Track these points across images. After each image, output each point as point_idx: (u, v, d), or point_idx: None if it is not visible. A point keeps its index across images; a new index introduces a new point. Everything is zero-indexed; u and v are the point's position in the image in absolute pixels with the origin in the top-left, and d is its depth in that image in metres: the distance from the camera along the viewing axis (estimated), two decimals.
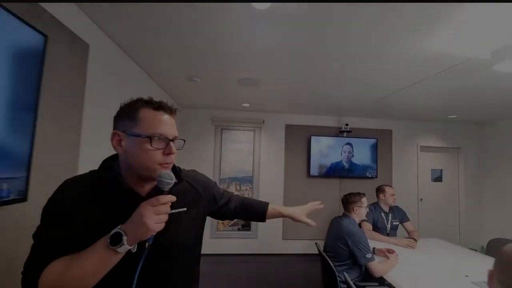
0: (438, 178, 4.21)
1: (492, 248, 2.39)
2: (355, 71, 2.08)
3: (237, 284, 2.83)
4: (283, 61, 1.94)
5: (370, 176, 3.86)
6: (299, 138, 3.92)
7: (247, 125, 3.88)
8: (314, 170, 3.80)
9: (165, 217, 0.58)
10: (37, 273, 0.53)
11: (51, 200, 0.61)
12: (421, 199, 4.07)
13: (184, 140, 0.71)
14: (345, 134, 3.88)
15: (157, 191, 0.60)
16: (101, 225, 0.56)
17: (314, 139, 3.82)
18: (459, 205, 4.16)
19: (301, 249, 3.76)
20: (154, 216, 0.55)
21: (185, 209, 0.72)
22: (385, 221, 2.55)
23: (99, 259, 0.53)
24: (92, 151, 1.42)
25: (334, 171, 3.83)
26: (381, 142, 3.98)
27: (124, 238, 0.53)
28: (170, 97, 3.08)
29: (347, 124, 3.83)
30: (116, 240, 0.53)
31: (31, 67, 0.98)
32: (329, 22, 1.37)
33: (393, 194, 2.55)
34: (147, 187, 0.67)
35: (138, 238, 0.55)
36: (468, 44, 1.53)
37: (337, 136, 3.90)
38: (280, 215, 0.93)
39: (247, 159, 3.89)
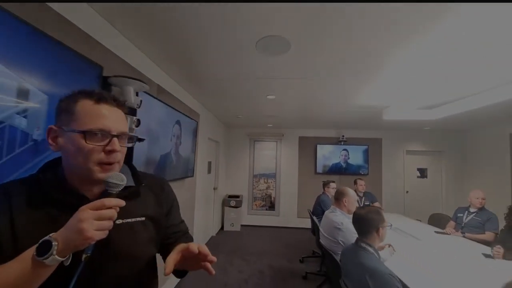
0: (423, 175, 5.31)
1: (433, 219, 3.63)
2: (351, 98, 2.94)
3: (265, 241, 4.53)
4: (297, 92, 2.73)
5: (362, 173, 5.20)
6: (308, 146, 5.47)
7: (271, 138, 5.58)
8: (319, 169, 5.31)
9: (108, 224, 0.48)
10: None
11: None
12: (407, 192, 5.23)
13: (138, 137, 0.64)
14: (342, 143, 5.30)
15: (105, 194, 0.52)
16: (37, 235, 0.46)
17: (319, 147, 5.34)
18: (442, 197, 5.19)
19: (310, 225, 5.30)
20: (94, 222, 0.46)
21: (143, 218, 0.62)
22: (360, 203, 3.97)
23: (23, 272, 0.43)
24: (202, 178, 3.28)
25: (335, 170, 5.28)
26: (372, 147, 5.29)
27: (54, 246, 0.44)
28: (222, 122, 4.96)
29: (343, 136, 5.25)
30: (44, 250, 0.43)
31: (193, 135, 2.84)
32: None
33: (362, 185, 3.94)
34: (96, 190, 0.57)
35: (72, 248, 0.45)
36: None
37: (336, 144, 5.35)
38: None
39: (272, 161, 5.57)
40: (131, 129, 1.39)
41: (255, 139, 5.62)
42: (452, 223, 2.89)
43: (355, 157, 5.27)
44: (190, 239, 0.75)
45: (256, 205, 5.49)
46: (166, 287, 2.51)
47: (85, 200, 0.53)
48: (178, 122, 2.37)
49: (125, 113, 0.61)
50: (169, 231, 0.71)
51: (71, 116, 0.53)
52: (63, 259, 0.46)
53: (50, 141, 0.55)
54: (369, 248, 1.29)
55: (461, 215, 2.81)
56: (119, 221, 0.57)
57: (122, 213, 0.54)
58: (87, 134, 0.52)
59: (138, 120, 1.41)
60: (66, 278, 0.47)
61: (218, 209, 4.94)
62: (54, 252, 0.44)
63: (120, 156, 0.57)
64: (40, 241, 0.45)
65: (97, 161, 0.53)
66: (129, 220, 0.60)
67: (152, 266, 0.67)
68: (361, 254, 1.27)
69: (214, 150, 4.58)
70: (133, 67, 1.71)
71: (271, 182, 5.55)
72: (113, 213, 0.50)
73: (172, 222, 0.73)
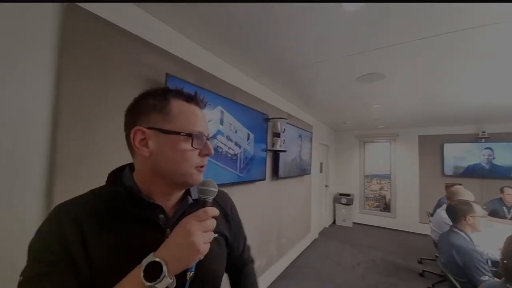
0: None
1: None
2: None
3: (379, 239, 4.70)
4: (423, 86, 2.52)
5: None
6: (431, 145, 4.98)
7: (383, 138, 5.54)
8: (448, 171, 4.72)
9: (211, 236, 0.44)
10: None
11: (40, 234, 0.43)
12: None
13: (213, 139, 0.54)
14: (483, 140, 4.43)
15: (200, 202, 0.48)
16: (116, 259, 0.43)
17: (447, 146, 4.74)
18: None
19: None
20: (203, 234, 0.42)
21: (216, 235, 0.51)
22: (507, 215, 3.36)
23: None
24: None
25: (473, 172, 4.51)
26: None
27: (165, 268, 0.39)
28: (331, 128, 5.58)
29: (483, 132, 4.39)
30: (154, 273, 0.38)
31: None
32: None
33: (509, 194, 3.30)
34: (173, 200, 0.53)
35: (184, 266, 0.41)
36: None
37: (474, 141, 4.53)
38: None
39: (385, 161, 5.52)
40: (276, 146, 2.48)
41: (365, 140, 5.78)
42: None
43: (504, 157, 4.26)
44: (251, 281, 0.71)
45: (368, 205, 5.64)
46: (282, 260, 3.54)
47: (162, 212, 0.49)
48: (300, 136, 3.35)
49: None
50: (235, 248, 0.67)
51: (166, 116, 0.48)
52: (171, 281, 0.39)
53: (137, 144, 0.48)
54: (460, 232, 1.60)
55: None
56: None
57: None
58: (193, 137, 0.48)
59: (283, 140, 2.46)
60: None
61: (330, 205, 5.58)
62: (166, 274, 0.38)
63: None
64: (145, 263, 0.39)
65: (195, 165, 0.49)
66: None
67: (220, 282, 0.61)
68: (452, 235, 1.60)
69: (324, 152, 5.30)
70: (277, 107, 2.82)
71: (385, 183, 5.50)
72: (214, 223, 0.45)
73: (239, 237, 0.69)
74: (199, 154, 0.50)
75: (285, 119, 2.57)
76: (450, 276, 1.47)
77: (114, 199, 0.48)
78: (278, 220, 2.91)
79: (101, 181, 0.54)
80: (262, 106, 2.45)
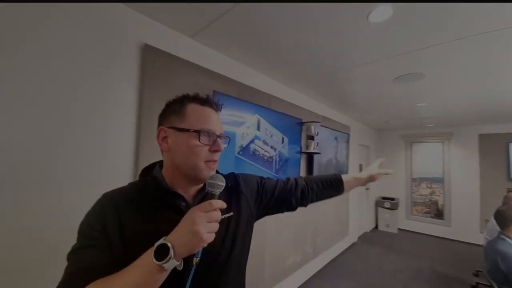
0: None
1: None
2: None
3: (428, 247, 4.34)
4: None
5: None
6: (494, 145, 4.36)
7: (434, 138, 5.06)
8: None
9: (216, 226, 0.49)
10: None
11: (88, 216, 0.54)
12: None
13: (230, 138, 0.66)
14: None
15: (207, 195, 0.53)
16: (145, 238, 0.49)
17: None
18: None
19: None
20: (207, 224, 0.47)
21: (231, 213, 0.64)
22: None
23: (142, 277, 0.44)
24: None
25: None
26: None
27: (171, 251, 0.44)
28: (372, 128, 5.35)
29: None
30: (162, 254, 0.44)
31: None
32: None
33: None
34: (192, 191, 0.61)
35: (188, 251, 0.46)
36: None
37: None
38: (358, 181, 0.86)
39: (437, 163, 5.03)
40: (310, 149, 2.59)
41: (412, 140, 5.36)
42: None
43: None
44: (300, 186, 0.80)
45: (416, 210, 5.21)
46: (323, 257, 3.57)
47: (183, 200, 0.56)
48: (336, 138, 3.38)
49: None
50: (276, 191, 0.76)
51: (181, 117, 0.58)
52: (178, 263, 0.45)
53: (160, 140, 0.59)
54: (507, 239, 1.52)
55: None
56: None
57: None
58: (201, 133, 0.56)
59: (317, 143, 2.57)
60: (178, 283, 0.49)
61: (371, 208, 5.34)
62: (172, 255, 0.44)
63: (219, 155, 0.60)
64: (156, 245, 0.45)
65: (204, 159, 0.57)
66: (222, 217, 0.54)
67: (243, 264, 0.68)
68: (499, 242, 1.58)
69: (364, 153, 5.11)
70: (311, 111, 2.94)
71: (437, 188, 5.02)
72: (219, 215, 0.50)
73: (272, 189, 0.76)
74: (209, 150, 0.58)
75: (319, 122, 2.68)
76: (493, 283, 1.43)
77: (144, 189, 0.58)
78: (313, 219, 3.01)
79: None
80: (296, 111, 2.60)
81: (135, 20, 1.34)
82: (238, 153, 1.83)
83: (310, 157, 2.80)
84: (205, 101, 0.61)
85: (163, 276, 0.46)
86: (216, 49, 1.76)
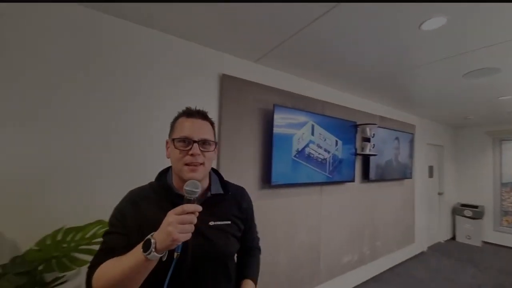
0: None
1: None
2: None
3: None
4: None
5: None
6: None
7: None
8: None
9: (190, 227, 0.56)
10: (93, 269, 0.61)
11: (114, 209, 0.70)
12: None
13: (216, 143, 0.73)
14: None
15: (188, 200, 0.59)
16: (154, 229, 0.57)
17: None
18: None
19: None
20: (178, 226, 0.54)
21: (229, 222, 0.74)
22: None
23: (135, 264, 0.55)
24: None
25: None
26: None
27: (153, 244, 0.53)
28: (447, 125, 4.71)
29: None
30: (147, 247, 0.54)
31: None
32: None
33: None
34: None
35: (165, 247, 0.54)
36: None
37: None
38: None
39: None
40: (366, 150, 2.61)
41: (501, 138, 4.48)
42: None
43: None
44: (254, 261, 0.86)
45: (507, 221, 4.33)
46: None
47: (183, 200, 0.61)
48: (396, 138, 3.23)
49: (211, 124, 0.75)
50: (246, 237, 0.83)
51: (173, 130, 0.71)
52: (161, 255, 0.55)
53: (166, 150, 0.72)
54: None
55: None
56: (211, 223, 0.70)
57: (215, 216, 0.71)
58: (175, 140, 0.67)
59: (374, 145, 2.58)
60: (163, 272, 0.59)
61: (446, 216, 4.72)
62: (153, 250, 0.53)
63: (202, 158, 0.67)
64: (145, 239, 0.55)
65: (184, 162, 0.66)
66: (219, 222, 0.71)
67: (233, 260, 0.79)
68: None
69: (436, 154, 4.56)
70: (367, 112, 2.94)
71: None
72: (193, 218, 0.56)
73: (249, 229, 0.85)
74: (189, 154, 0.66)
75: (375, 124, 2.66)
76: None
77: (156, 189, 0.71)
78: (371, 221, 2.99)
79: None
80: (351, 114, 2.67)
81: (217, 57, 1.78)
82: (295, 156, 2.08)
83: (366, 158, 2.81)
84: (189, 114, 0.71)
85: (151, 264, 0.55)
86: (275, 68, 2.07)
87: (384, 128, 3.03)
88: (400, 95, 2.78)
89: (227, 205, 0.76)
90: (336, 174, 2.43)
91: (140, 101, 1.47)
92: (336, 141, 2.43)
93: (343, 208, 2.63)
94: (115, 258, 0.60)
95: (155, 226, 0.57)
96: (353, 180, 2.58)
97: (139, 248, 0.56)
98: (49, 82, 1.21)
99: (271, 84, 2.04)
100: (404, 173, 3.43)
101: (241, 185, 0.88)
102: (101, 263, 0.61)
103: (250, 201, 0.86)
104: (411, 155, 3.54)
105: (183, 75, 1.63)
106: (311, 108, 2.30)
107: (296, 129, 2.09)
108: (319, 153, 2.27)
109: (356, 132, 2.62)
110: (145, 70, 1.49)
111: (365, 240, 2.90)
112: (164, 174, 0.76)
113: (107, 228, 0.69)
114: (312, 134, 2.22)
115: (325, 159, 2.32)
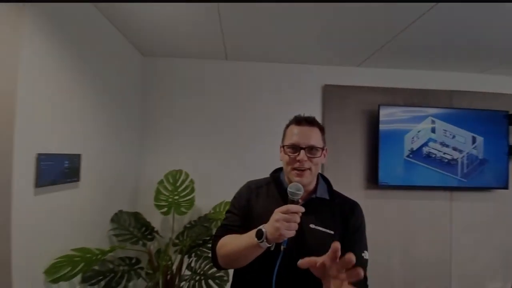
0: None
1: None
2: None
3: None
4: None
5: None
6: None
7: None
8: None
9: (294, 226, 0.59)
10: (216, 239, 0.75)
11: (237, 193, 0.83)
12: None
13: (323, 149, 0.74)
14: None
15: (288, 201, 0.64)
16: (263, 216, 0.64)
17: None
18: None
19: None
20: (284, 223, 0.58)
21: (332, 232, 0.72)
22: None
23: (249, 245, 0.62)
24: None
25: None
26: None
27: (265, 235, 0.59)
28: None
29: None
30: (259, 235, 0.60)
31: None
32: None
33: None
34: (304, 193, 0.70)
35: (273, 239, 0.59)
36: None
37: None
38: None
39: None
40: None
41: None
42: None
43: None
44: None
45: None
46: None
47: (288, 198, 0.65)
48: None
49: (319, 129, 0.76)
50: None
51: (284, 136, 0.78)
52: (270, 245, 0.60)
53: (280, 154, 0.78)
54: None
55: None
56: (312, 226, 0.72)
57: (318, 220, 0.72)
58: (285, 147, 0.74)
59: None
60: (271, 263, 0.64)
61: None
62: (265, 240, 0.59)
63: (309, 164, 0.71)
64: (257, 228, 0.61)
65: (292, 167, 0.71)
66: (320, 228, 0.72)
67: None
68: None
69: None
70: None
71: None
72: (296, 218, 0.59)
73: (353, 248, 0.65)
74: (295, 159, 0.71)
75: None
76: None
77: (269, 182, 0.82)
78: None
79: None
80: (498, 101, 2.04)
81: (320, 71, 2.04)
82: (408, 156, 1.92)
83: None
84: (298, 121, 0.75)
85: (260, 250, 0.62)
86: (381, 67, 2.02)
87: None
88: None
89: (331, 213, 0.75)
90: (474, 178, 1.96)
91: (271, 127, 1.81)
92: (473, 137, 1.97)
93: (488, 221, 2.06)
94: (234, 235, 0.71)
95: (261, 212, 0.70)
96: (505, 187, 1.97)
97: (253, 234, 0.62)
98: (221, 114, 2.00)
99: (375, 84, 2.01)
100: None
101: (346, 185, 1.05)
102: (222, 235, 0.74)
103: (362, 219, 0.79)
104: None
105: (288, 92, 2.02)
106: (433, 102, 2.01)
107: (408, 128, 1.93)
108: (444, 153, 1.95)
109: (508, 124, 1.97)
110: (272, 95, 2.01)
111: None
112: (279, 170, 0.86)
113: (229, 208, 0.83)
114: (433, 131, 1.95)
115: (454, 159, 1.95)
